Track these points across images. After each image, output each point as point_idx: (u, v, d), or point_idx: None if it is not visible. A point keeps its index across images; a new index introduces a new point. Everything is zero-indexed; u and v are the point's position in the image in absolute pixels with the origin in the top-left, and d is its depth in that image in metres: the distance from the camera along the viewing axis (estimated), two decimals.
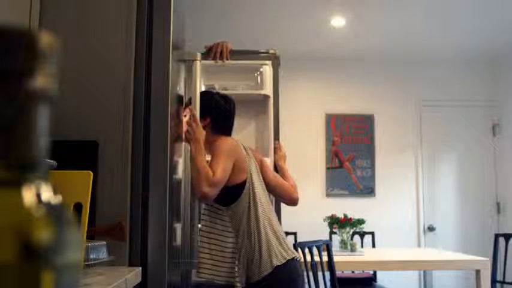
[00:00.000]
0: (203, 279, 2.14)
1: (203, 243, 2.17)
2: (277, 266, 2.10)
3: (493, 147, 5.45)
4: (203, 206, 2.20)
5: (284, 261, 2.12)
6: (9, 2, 1.56)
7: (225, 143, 2.23)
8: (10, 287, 0.26)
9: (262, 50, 3.17)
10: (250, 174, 2.22)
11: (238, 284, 2.07)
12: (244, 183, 2.18)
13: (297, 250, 3.10)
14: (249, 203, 2.16)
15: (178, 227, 2.00)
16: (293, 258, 2.19)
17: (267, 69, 3.04)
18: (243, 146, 2.34)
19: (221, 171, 2.08)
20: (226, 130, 2.36)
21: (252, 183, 2.20)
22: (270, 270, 2.09)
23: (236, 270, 2.09)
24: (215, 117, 2.33)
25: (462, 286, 5.09)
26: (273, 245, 2.14)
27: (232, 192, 2.16)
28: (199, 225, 2.20)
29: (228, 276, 2.11)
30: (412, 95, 5.45)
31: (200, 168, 2.06)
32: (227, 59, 2.74)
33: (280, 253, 2.15)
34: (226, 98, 2.40)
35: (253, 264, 2.10)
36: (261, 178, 2.33)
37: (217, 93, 2.45)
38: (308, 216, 4.79)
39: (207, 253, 2.15)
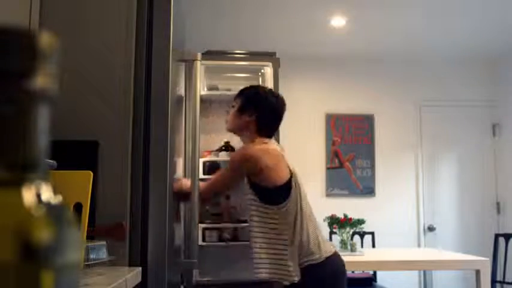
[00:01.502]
0: (265, 279, 2.13)
1: (258, 243, 2.13)
2: (327, 258, 2.11)
3: (493, 147, 5.45)
4: (251, 207, 2.16)
5: (330, 254, 2.13)
6: (9, 2, 1.56)
7: (267, 151, 2.16)
8: (10, 287, 0.26)
9: (262, 51, 3.17)
10: (295, 172, 2.17)
11: (296, 279, 2.05)
12: (288, 183, 2.12)
13: None
14: (298, 201, 2.13)
15: (178, 227, 2.00)
16: (335, 252, 2.19)
17: (268, 70, 3.05)
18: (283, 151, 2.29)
19: (211, 183, 2.23)
20: (271, 132, 2.27)
21: (297, 182, 2.15)
22: (319, 261, 2.09)
23: (291, 265, 2.07)
24: (262, 115, 2.23)
25: (462, 286, 5.09)
26: (319, 240, 2.14)
27: (279, 193, 2.11)
28: (253, 225, 2.18)
29: (284, 274, 2.08)
30: (412, 95, 5.45)
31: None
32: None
33: (326, 247, 2.15)
34: (277, 98, 2.29)
35: (304, 258, 2.09)
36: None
37: (271, 91, 2.35)
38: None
39: (264, 252, 2.11)
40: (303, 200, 2.15)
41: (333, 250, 2.18)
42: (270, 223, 2.12)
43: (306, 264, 2.07)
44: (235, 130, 2.30)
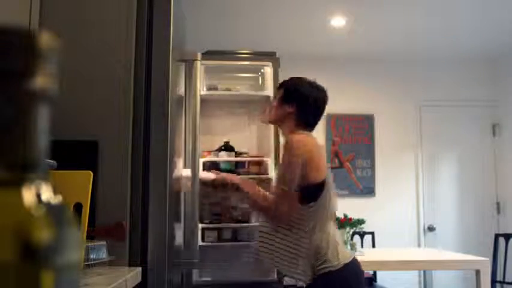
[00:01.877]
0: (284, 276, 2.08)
1: (277, 242, 2.05)
2: (345, 264, 1.99)
3: (493, 147, 5.45)
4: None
5: (348, 261, 2.01)
6: (9, 2, 1.56)
7: (296, 144, 2.04)
8: (10, 287, 0.26)
9: (262, 51, 3.17)
10: (328, 175, 2.08)
11: (305, 282, 1.98)
12: (323, 182, 2.03)
13: None
14: (327, 203, 2.04)
15: (178, 227, 2.00)
16: (353, 259, 2.08)
17: (268, 70, 3.05)
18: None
19: (290, 181, 1.98)
20: (311, 125, 2.18)
21: (329, 182, 2.07)
22: (337, 268, 1.98)
23: (302, 265, 1.99)
24: (302, 107, 2.15)
25: (462, 286, 5.08)
26: (338, 246, 2.03)
27: (313, 191, 2.01)
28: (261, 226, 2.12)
29: (297, 273, 2.01)
30: (412, 95, 5.45)
31: (263, 204, 2.05)
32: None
33: (344, 253, 2.05)
34: (319, 89, 2.21)
35: (320, 264, 1.98)
36: None
37: (313, 83, 2.24)
38: None
39: (281, 248, 2.03)
40: (331, 202, 2.06)
41: (351, 256, 2.06)
42: (293, 221, 2.03)
43: (322, 270, 1.97)
44: (276, 121, 2.24)
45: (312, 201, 2.00)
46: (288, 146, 2.06)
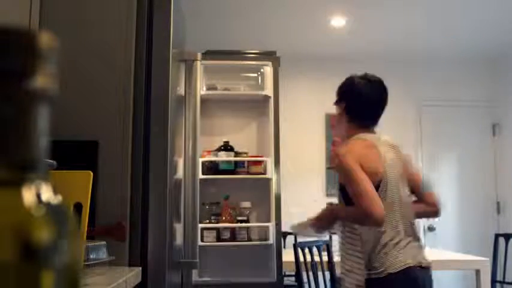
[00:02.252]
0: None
1: (342, 247, 1.96)
2: (389, 273, 1.80)
3: (493, 147, 5.45)
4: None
5: (393, 270, 1.80)
6: (9, 2, 1.56)
7: (352, 149, 1.90)
8: (10, 287, 0.26)
9: (262, 51, 3.17)
10: (386, 174, 1.89)
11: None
12: (377, 186, 1.86)
13: (297, 250, 3.11)
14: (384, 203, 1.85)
15: (178, 227, 2.00)
16: (409, 267, 1.82)
17: (268, 70, 3.05)
18: (388, 142, 2.01)
19: (359, 185, 1.81)
20: (365, 120, 2.00)
21: (386, 184, 1.88)
22: (381, 276, 1.81)
23: (356, 272, 1.86)
24: (350, 103, 1.99)
25: (462, 286, 5.08)
26: (394, 248, 1.83)
27: None
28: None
29: (351, 277, 1.88)
30: (412, 95, 5.44)
31: (355, 212, 1.85)
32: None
33: (395, 258, 1.82)
34: (370, 81, 2.01)
35: (367, 270, 1.84)
36: (404, 178, 1.99)
37: (364, 76, 2.03)
38: (308, 216, 4.78)
39: (342, 250, 1.95)
40: (392, 210, 1.86)
41: (405, 265, 1.81)
42: (346, 225, 1.93)
43: (367, 276, 1.82)
44: (338, 131, 2.09)
45: None
46: (337, 164, 1.92)
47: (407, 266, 1.81)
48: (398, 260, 1.81)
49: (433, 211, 2.08)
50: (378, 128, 2.09)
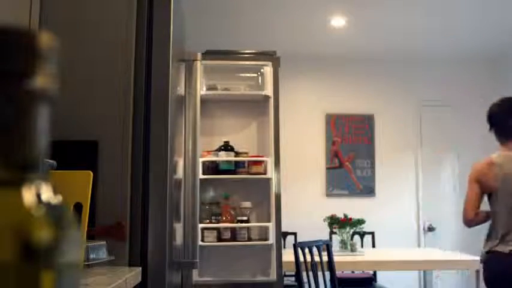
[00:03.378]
0: None
1: None
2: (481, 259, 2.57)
3: (493, 147, 5.44)
4: None
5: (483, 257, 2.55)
6: (9, 2, 1.56)
7: (473, 169, 2.58)
8: (10, 287, 0.26)
9: (262, 51, 3.17)
10: (498, 188, 2.46)
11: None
12: (489, 196, 2.52)
13: (296, 250, 3.11)
14: (496, 208, 2.49)
15: (178, 227, 2.00)
16: (492, 252, 2.46)
17: (268, 70, 3.05)
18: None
19: (466, 199, 2.60)
20: (500, 137, 2.54)
21: (497, 196, 2.46)
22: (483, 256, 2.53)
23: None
24: (491, 126, 2.55)
25: (462, 286, 5.08)
26: (491, 235, 2.52)
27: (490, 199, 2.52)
28: None
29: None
30: (412, 95, 5.45)
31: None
32: None
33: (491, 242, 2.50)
34: (497, 103, 2.59)
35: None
36: None
37: (500, 98, 2.60)
38: (308, 216, 4.79)
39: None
40: (497, 218, 2.47)
41: (490, 249, 2.47)
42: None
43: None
44: None
45: (490, 204, 2.54)
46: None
47: (489, 248, 2.50)
48: (491, 243, 2.54)
49: None
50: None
